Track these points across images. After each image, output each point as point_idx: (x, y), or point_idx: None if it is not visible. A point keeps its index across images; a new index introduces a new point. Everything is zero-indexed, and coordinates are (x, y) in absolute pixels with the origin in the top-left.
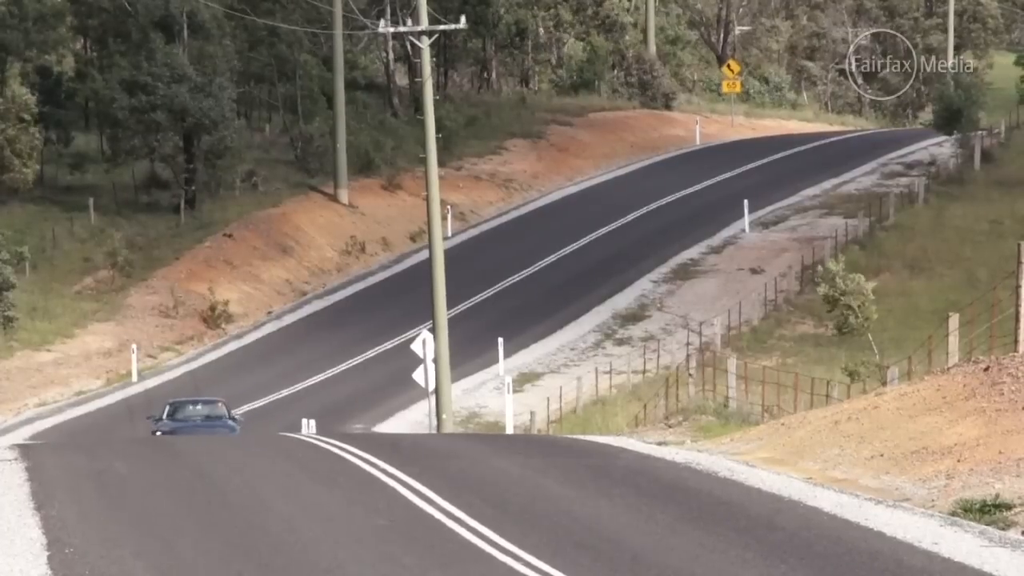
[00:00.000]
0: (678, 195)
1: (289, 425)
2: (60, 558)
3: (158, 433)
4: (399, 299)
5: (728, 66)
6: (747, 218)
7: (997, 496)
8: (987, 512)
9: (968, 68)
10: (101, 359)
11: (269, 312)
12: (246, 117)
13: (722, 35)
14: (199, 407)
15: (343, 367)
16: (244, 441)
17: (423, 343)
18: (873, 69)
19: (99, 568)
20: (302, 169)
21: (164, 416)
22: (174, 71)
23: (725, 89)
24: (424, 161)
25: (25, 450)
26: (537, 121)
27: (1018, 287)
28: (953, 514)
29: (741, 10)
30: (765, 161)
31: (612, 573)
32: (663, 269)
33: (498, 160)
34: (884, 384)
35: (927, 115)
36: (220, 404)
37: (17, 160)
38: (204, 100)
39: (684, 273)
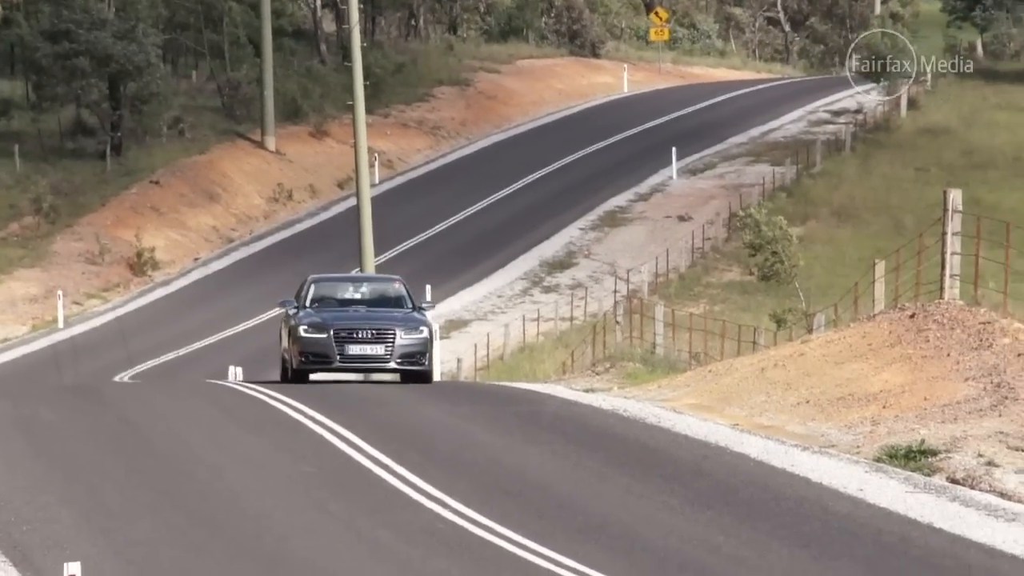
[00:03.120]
0: (606, 143)
1: (216, 372)
2: None
3: (302, 329)
4: (327, 246)
5: (656, 13)
6: (674, 165)
7: (922, 442)
8: (912, 458)
9: (895, 15)
10: (26, 305)
11: (196, 259)
12: (172, 64)
13: None
14: (363, 288)
15: (271, 314)
16: (171, 388)
17: None
18: (801, 17)
19: (24, 514)
20: (229, 116)
21: (307, 302)
22: (95, 17)
23: (653, 37)
24: (352, 108)
25: None
26: (465, 69)
27: (944, 234)
28: (878, 460)
29: None
30: (693, 109)
31: (539, 520)
32: (590, 216)
33: (426, 107)
34: (810, 331)
35: (854, 63)
36: (396, 284)
37: None
38: (128, 46)
39: (611, 220)
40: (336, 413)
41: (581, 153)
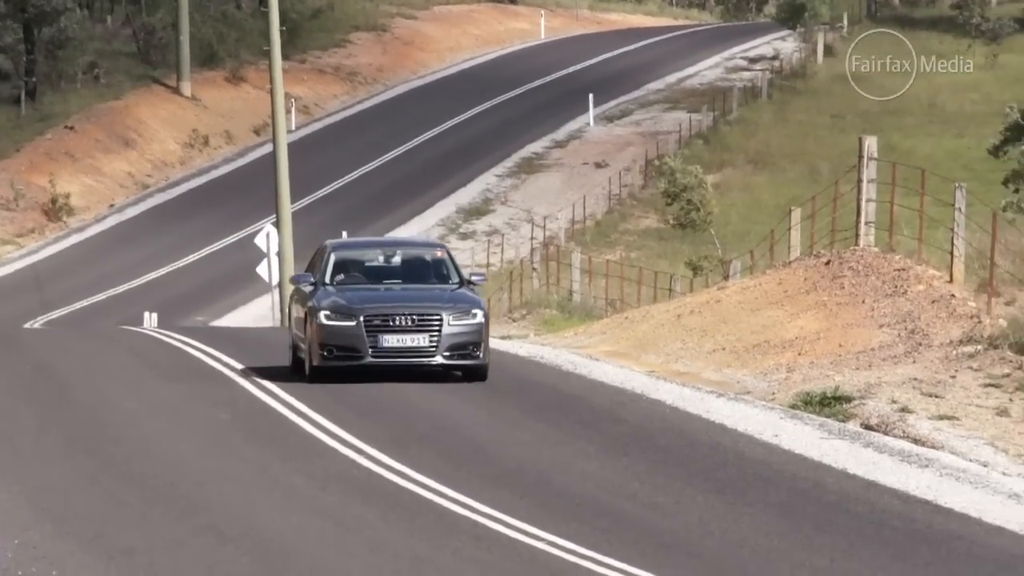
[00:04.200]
0: (522, 89)
1: (131, 318)
2: None
3: (323, 315)
4: (243, 193)
5: None
6: (591, 112)
7: (837, 389)
8: (827, 405)
9: None
10: None
11: (111, 205)
12: (88, 8)
13: None
14: (395, 258)
15: (186, 261)
16: (85, 335)
17: (267, 237)
18: None
19: None
20: (145, 61)
21: (327, 277)
22: None
23: None
24: (268, 54)
25: None
26: (382, 15)
27: (860, 181)
28: (793, 407)
29: None
30: (609, 56)
31: (456, 467)
32: (507, 163)
33: (343, 53)
34: (726, 278)
35: (771, 9)
36: (438, 251)
37: None
38: None
39: (528, 167)
40: (251, 359)
41: (498, 100)
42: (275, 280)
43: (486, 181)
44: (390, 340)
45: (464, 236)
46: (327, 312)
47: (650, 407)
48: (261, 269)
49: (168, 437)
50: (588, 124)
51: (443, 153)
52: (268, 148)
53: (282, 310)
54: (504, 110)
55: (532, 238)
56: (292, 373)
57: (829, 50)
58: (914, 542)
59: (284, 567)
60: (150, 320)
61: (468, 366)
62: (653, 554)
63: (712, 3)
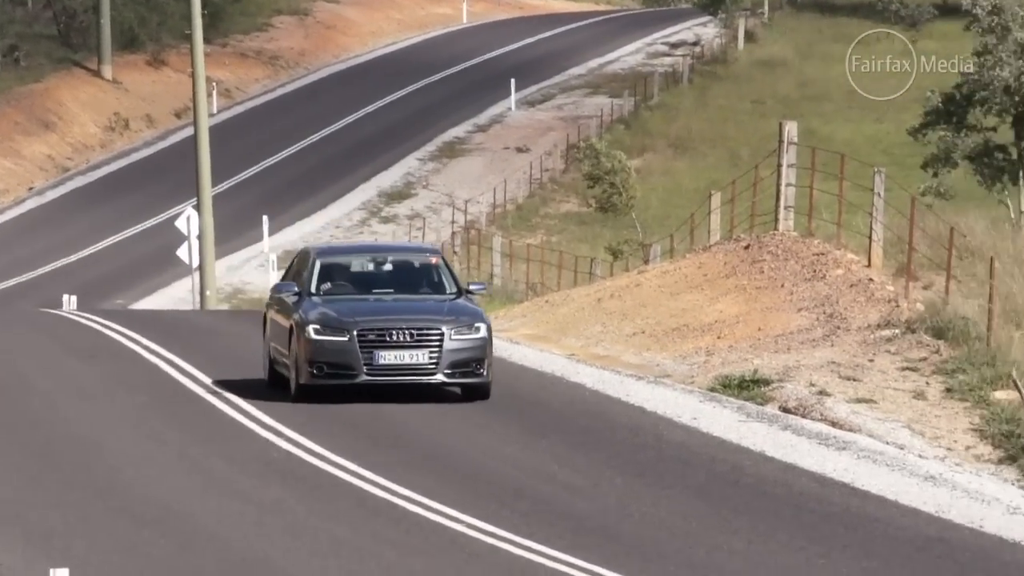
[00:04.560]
0: (444, 74)
1: (50, 301)
2: None
3: (312, 329)
4: (164, 176)
5: None
6: (513, 97)
7: (755, 372)
8: (745, 388)
9: None
10: None
11: (30, 188)
12: None
13: None
14: (386, 265)
15: (106, 243)
16: (3, 317)
17: (187, 220)
18: None
19: None
20: (65, 44)
21: (312, 286)
22: None
23: None
24: (190, 37)
25: None
26: None
27: (779, 166)
28: (712, 390)
29: None
30: (531, 40)
31: (375, 450)
32: (429, 147)
33: (264, 37)
34: (646, 262)
35: None
36: (432, 258)
37: None
38: None
39: (450, 151)
40: (171, 342)
41: (420, 84)
42: (195, 263)
43: (408, 165)
44: (386, 357)
45: (386, 220)
46: (316, 326)
47: (570, 390)
48: (181, 252)
49: (87, 420)
50: (510, 109)
51: (365, 137)
52: (189, 131)
53: (202, 292)
54: (426, 94)
55: (453, 222)
56: (269, 389)
57: (750, 35)
58: (831, 524)
59: (202, 549)
60: (70, 303)
61: (471, 384)
62: (572, 536)
63: None
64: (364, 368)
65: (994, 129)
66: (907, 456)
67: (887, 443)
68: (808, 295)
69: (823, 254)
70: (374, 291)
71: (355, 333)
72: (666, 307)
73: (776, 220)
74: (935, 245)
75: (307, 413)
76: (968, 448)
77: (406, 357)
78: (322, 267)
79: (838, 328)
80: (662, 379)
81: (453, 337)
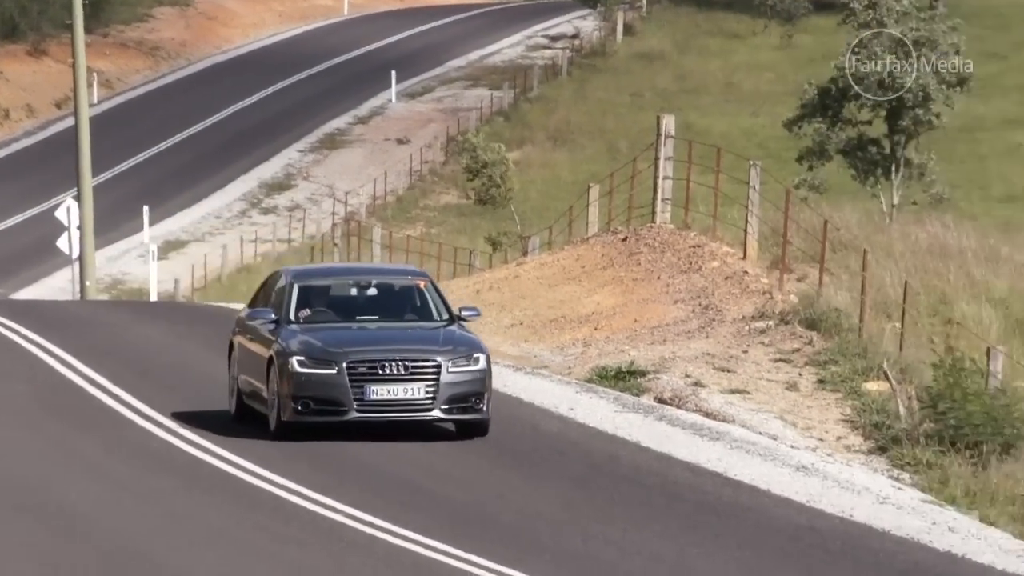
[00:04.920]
0: (326, 65)
1: None
2: None
3: (296, 361)
4: (44, 166)
5: None
6: (394, 89)
7: (631, 363)
8: (622, 379)
9: None
10: None
11: None
12: None
13: None
14: (370, 290)
15: None
16: None
17: (67, 210)
18: None
19: None
20: None
21: (291, 312)
22: None
23: None
24: (71, 27)
25: None
26: None
27: (657, 159)
28: (589, 381)
29: None
30: (413, 32)
31: (254, 442)
32: (309, 139)
33: (146, 28)
34: (525, 254)
35: None
36: (420, 281)
37: None
38: None
39: (330, 143)
40: (50, 332)
41: (301, 75)
42: (75, 253)
43: (288, 156)
44: (379, 391)
45: (266, 211)
46: (301, 357)
47: None
48: (61, 242)
49: None
50: (390, 100)
51: (245, 128)
52: (70, 122)
53: (82, 282)
54: (307, 86)
55: (334, 213)
56: (236, 423)
57: (629, 29)
58: (704, 513)
59: (82, 537)
60: None
61: (470, 421)
62: (449, 526)
63: None
64: (355, 404)
65: (868, 123)
66: (779, 446)
67: (760, 433)
68: (684, 287)
69: (699, 247)
70: (358, 318)
71: (344, 365)
72: (544, 299)
73: (653, 213)
74: (809, 238)
75: (185, 399)
76: (839, 439)
77: (400, 391)
78: (300, 291)
79: (713, 320)
80: (539, 370)
81: (451, 369)
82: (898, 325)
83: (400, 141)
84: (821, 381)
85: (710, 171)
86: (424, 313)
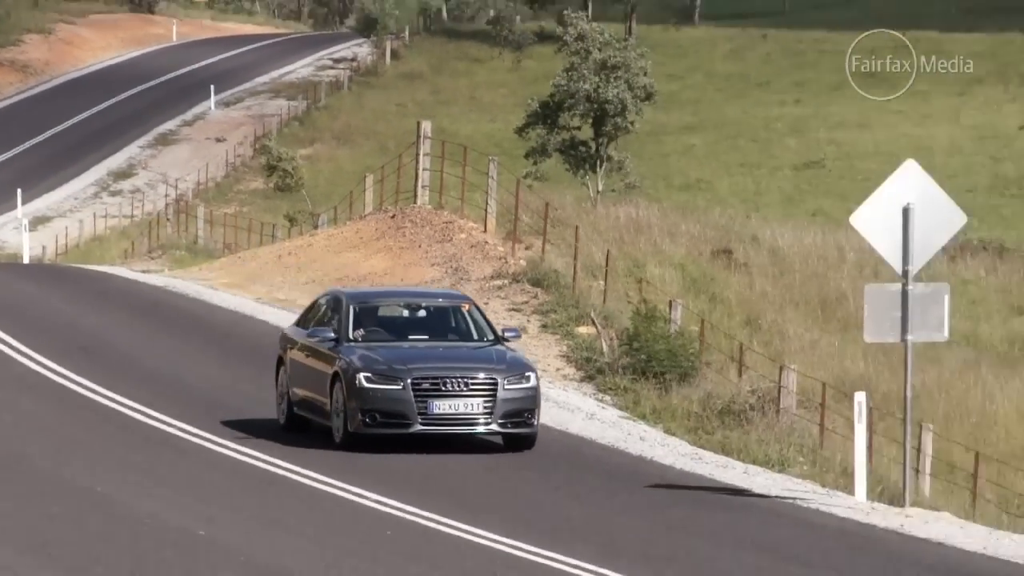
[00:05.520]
0: (159, 80)
1: None
2: None
3: (363, 377)
4: None
5: None
6: (213, 99)
7: None
8: None
9: None
10: None
11: None
12: None
13: None
14: (420, 312)
15: None
16: None
17: None
18: None
19: None
20: None
21: (349, 331)
22: None
23: None
24: None
25: None
26: (49, 20)
27: (417, 155)
28: None
29: None
30: (227, 55)
31: (108, 370)
32: (147, 137)
33: (17, 50)
34: (316, 228)
35: (351, 22)
36: (465, 305)
37: None
38: None
39: (164, 141)
40: None
41: (140, 88)
42: None
43: (131, 151)
44: (441, 406)
45: (114, 193)
46: (368, 374)
47: (257, 326)
48: None
49: None
50: (210, 108)
51: (97, 129)
52: None
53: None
54: (144, 96)
55: (167, 195)
56: (285, 433)
57: (395, 54)
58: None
59: None
60: None
61: (523, 435)
62: (247, 434)
63: (305, 15)
64: (419, 417)
65: (578, 128)
66: None
67: None
68: (439, 254)
69: (450, 223)
70: (409, 337)
71: (409, 381)
72: (331, 262)
73: (415, 196)
74: (534, 216)
75: (53, 341)
76: (558, 370)
77: (460, 406)
78: (357, 312)
79: (462, 279)
80: None
81: (506, 387)
82: (602, 283)
83: (218, 140)
84: (544, 326)
85: (459, 164)
86: (468, 333)
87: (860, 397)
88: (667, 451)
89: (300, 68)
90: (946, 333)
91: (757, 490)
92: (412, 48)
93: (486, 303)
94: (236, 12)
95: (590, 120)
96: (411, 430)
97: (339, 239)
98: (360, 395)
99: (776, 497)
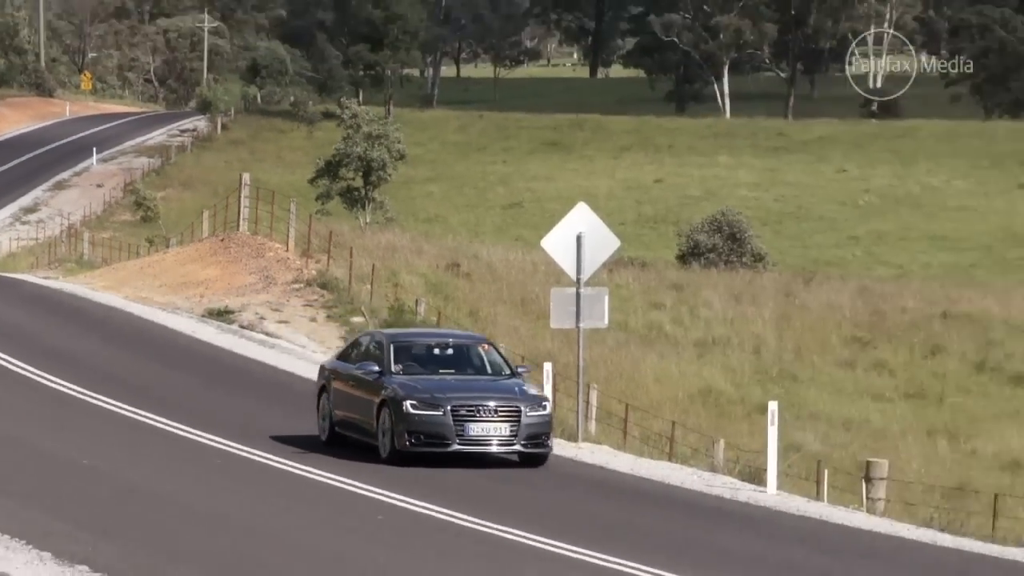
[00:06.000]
0: (57, 144)
1: None
2: None
3: (410, 404)
4: None
5: (84, 74)
6: (95, 157)
7: (226, 306)
8: (221, 315)
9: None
10: None
11: None
12: None
13: (80, 57)
14: (448, 350)
15: None
16: None
17: None
18: (160, 76)
19: None
20: None
21: (391, 364)
22: None
23: (83, 86)
24: None
25: None
26: None
27: (239, 197)
28: (203, 316)
29: (92, 42)
30: (106, 126)
31: (13, 346)
32: (48, 184)
33: None
34: (167, 247)
35: (193, 104)
36: (484, 345)
37: None
38: None
39: (60, 186)
40: None
41: (43, 149)
42: None
43: (36, 194)
44: (475, 429)
45: (24, 223)
46: (414, 402)
47: (127, 317)
48: None
49: None
50: (93, 163)
51: (13, 178)
52: None
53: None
54: (47, 155)
55: (61, 225)
56: (326, 446)
57: (225, 127)
58: (266, 386)
59: None
60: None
61: (539, 454)
62: (121, 390)
63: (161, 99)
64: (457, 438)
65: (352, 179)
66: (305, 351)
67: (296, 345)
68: (254, 266)
69: (263, 244)
70: (440, 371)
71: (449, 408)
72: (178, 272)
73: (238, 226)
74: (322, 240)
75: None
76: (339, 347)
77: (491, 430)
78: (396, 349)
79: (270, 284)
80: (177, 310)
81: (528, 414)
82: (369, 286)
83: (99, 185)
84: (329, 316)
85: (269, 204)
86: (485, 368)
87: (547, 367)
88: None
89: (157, 136)
90: (606, 322)
91: None
92: (236, 122)
93: (288, 300)
94: (112, 96)
95: (360, 173)
96: (450, 449)
97: (184, 255)
98: (407, 419)
99: None
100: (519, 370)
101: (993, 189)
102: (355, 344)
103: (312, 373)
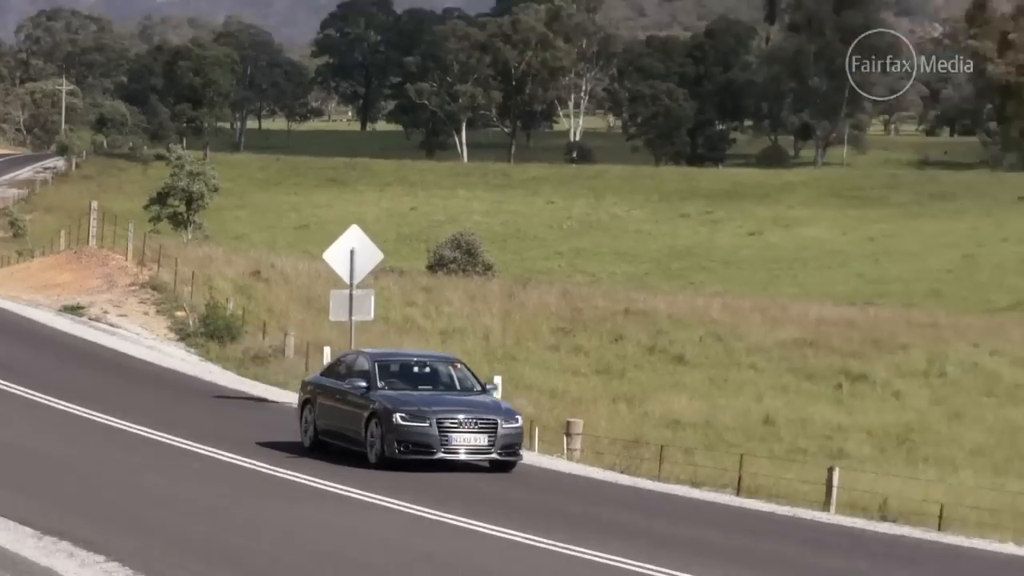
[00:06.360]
0: None
1: None
2: None
3: (399, 416)
4: None
5: None
6: None
7: (78, 302)
8: (75, 309)
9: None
10: None
11: None
12: None
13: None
14: (426, 368)
15: None
16: None
17: None
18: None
19: None
20: None
21: (376, 379)
22: None
23: None
24: None
25: None
26: None
27: (89, 219)
28: (61, 311)
29: None
30: None
31: None
32: None
33: None
34: (32, 257)
35: (54, 147)
36: (458, 364)
37: None
38: None
39: None
40: None
41: None
42: None
43: None
44: (457, 439)
45: None
46: (403, 414)
47: (3, 314)
48: None
49: None
50: None
51: None
52: None
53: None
54: None
55: None
56: (308, 451)
57: (78, 166)
58: (123, 372)
59: None
60: None
61: (512, 462)
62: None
63: (28, 142)
64: (441, 447)
65: (179, 205)
66: (140, 337)
67: (132, 333)
68: (101, 272)
69: (108, 255)
70: (419, 387)
71: (434, 420)
72: (41, 276)
73: (88, 241)
74: (154, 252)
75: None
76: (165, 335)
77: (472, 440)
78: (380, 368)
79: (113, 286)
80: (40, 305)
81: (504, 426)
82: (189, 288)
83: None
84: (159, 311)
85: (112, 224)
86: (455, 384)
87: (327, 350)
88: (225, 378)
89: (25, 172)
90: (372, 316)
91: (272, 398)
92: (87, 162)
93: (126, 299)
94: None
95: (184, 201)
96: (434, 457)
97: (46, 264)
98: (396, 429)
99: (284, 401)
100: (488, 387)
101: (662, 217)
102: (338, 362)
103: (145, 355)
